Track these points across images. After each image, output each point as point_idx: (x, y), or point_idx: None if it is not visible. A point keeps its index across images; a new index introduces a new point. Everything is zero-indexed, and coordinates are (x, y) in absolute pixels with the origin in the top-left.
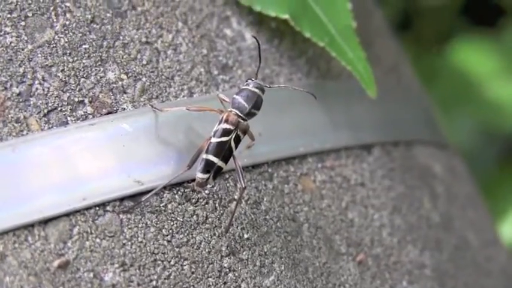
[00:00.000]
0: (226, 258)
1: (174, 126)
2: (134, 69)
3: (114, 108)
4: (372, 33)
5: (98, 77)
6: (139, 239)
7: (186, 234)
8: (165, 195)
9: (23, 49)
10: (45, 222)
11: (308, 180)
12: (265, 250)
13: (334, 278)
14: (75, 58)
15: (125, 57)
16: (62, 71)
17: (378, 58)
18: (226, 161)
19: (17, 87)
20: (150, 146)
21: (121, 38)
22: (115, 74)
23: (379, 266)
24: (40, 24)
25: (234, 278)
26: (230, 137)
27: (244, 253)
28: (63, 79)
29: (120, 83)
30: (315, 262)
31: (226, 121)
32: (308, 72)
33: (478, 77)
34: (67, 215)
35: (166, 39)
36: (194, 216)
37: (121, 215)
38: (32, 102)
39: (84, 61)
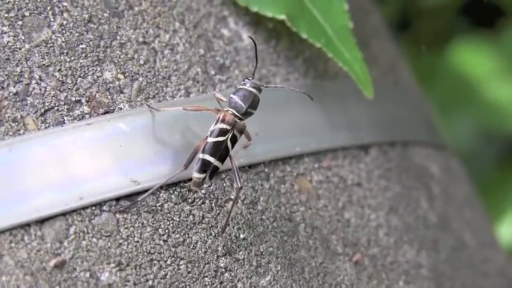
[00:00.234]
0: (223, 258)
1: (171, 126)
2: (131, 69)
3: (111, 108)
4: (369, 34)
5: (95, 77)
6: (136, 239)
7: (182, 234)
8: (161, 194)
9: (20, 48)
10: (42, 221)
11: (305, 180)
12: (262, 250)
13: (331, 278)
14: (72, 58)
15: (122, 57)
16: (59, 70)
17: (375, 58)
18: (222, 160)
19: (14, 86)
20: (146, 146)
21: (118, 37)
22: (112, 74)
23: (376, 266)
24: (37, 24)
25: (230, 277)
26: (227, 136)
27: (240, 253)
28: (60, 79)
29: (117, 82)
30: (311, 262)
31: (223, 121)
32: (305, 73)
33: (477, 78)
34: (63, 214)
35: (163, 39)
36: (190, 216)
37: (117, 215)
38: (29, 102)
39: (81, 61)
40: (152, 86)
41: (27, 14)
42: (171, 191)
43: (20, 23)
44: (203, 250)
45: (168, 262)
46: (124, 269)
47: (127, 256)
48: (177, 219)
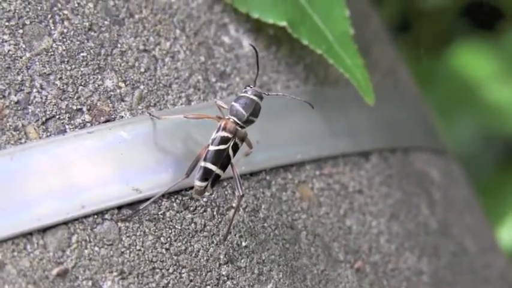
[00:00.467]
0: (225, 266)
1: (172, 134)
2: (132, 77)
3: (112, 116)
4: (369, 38)
5: (96, 85)
6: (138, 247)
7: (184, 242)
8: (163, 203)
9: (21, 57)
10: (44, 230)
11: (306, 187)
12: (263, 258)
13: (332, 285)
14: (73, 66)
15: (122, 65)
16: (60, 79)
17: (375, 63)
18: (224, 168)
19: (15, 95)
20: (148, 154)
21: (119, 45)
22: (113, 82)
23: (377, 273)
24: (38, 32)
25: (232, 285)
26: (228, 144)
27: (242, 261)
28: (61, 87)
29: (118, 90)
30: (313, 269)
31: (224, 129)
32: (306, 79)
33: (478, 81)
34: (65, 223)
35: (164, 47)
36: (192, 224)
37: (119, 223)
38: (30, 111)
39: (82, 69)
40: (153, 94)
41: (27, 22)
42: (173, 199)
43: (21, 31)
44: (205, 258)
45: (170, 270)
46: (126, 277)
47: (129, 265)
48: (179, 228)
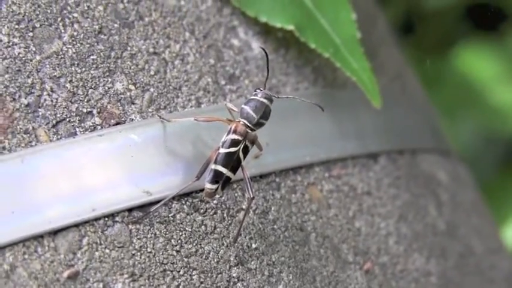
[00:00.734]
0: (235, 268)
1: (182, 136)
2: (142, 79)
3: (123, 119)
4: (376, 42)
5: (106, 88)
6: (149, 249)
7: (194, 244)
8: (173, 205)
9: (31, 60)
10: (55, 233)
11: (315, 189)
12: (273, 260)
13: (342, 286)
14: (83, 69)
15: (132, 67)
16: (70, 81)
17: (382, 66)
18: (234, 171)
19: (26, 98)
20: (158, 157)
21: (129, 48)
22: (123, 85)
23: (386, 275)
24: (48, 35)
25: (243, 287)
26: (239, 147)
27: (252, 263)
28: (72, 90)
29: (128, 93)
30: (323, 271)
31: (235, 131)
32: (314, 82)
33: (481, 82)
34: (76, 225)
35: (173, 50)
36: (203, 226)
37: (130, 226)
38: (40, 113)
39: (92, 72)
40: (163, 96)
41: (37, 25)
42: (183, 202)
43: (31, 34)
44: (215, 260)
45: (181, 272)
46: (137, 279)
47: (140, 267)
48: (190, 230)
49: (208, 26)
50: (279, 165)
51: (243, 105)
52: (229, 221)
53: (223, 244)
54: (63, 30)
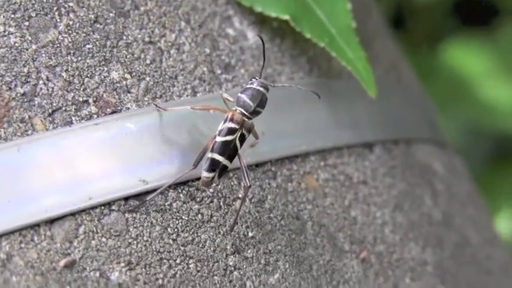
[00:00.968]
0: (232, 256)
1: (178, 125)
2: (138, 68)
3: (119, 108)
4: (371, 32)
5: (102, 77)
6: (145, 238)
7: (191, 232)
8: (170, 194)
9: (27, 49)
10: (51, 221)
11: (311, 178)
12: (270, 248)
13: (338, 275)
14: (79, 58)
15: (128, 56)
16: (66, 70)
17: (377, 57)
18: (231, 159)
19: (22, 87)
20: (154, 145)
21: (124, 37)
22: (119, 74)
23: (382, 263)
24: (44, 24)
25: (240, 276)
26: (235, 135)
27: (249, 251)
28: (68, 79)
29: (124, 82)
30: (319, 260)
31: (232, 120)
32: (309, 71)
33: (471, 77)
34: (73, 214)
35: (169, 39)
36: (199, 215)
37: (126, 214)
38: (36, 102)
39: (88, 61)
40: (159, 85)
41: (33, 14)
42: (180, 190)
43: (27, 23)
44: (212, 249)
45: (178, 261)
46: (134, 268)
47: (137, 255)
48: (186, 218)
49: (203, 15)
50: (275, 154)
51: (239, 94)
52: (226, 210)
53: (219, 233)
54: (58, 20)
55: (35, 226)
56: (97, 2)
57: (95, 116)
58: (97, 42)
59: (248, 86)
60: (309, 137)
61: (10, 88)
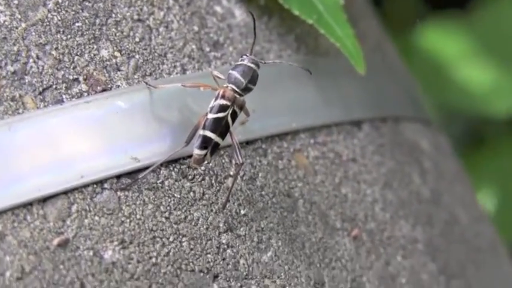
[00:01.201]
0: (224, 234)
1: (169, 102)
2: (127, 46)
3: (109, 86)
4: (356, 13)
5: (92, 55)
6: (138, 216)
7: (183, 210)
8: (161, 172)
9: (16, 27)
10: (44, 200)
11: (301, 156)
12: (262, 226)
13: (331, 253)
14: (69, 36)
15: (117, 34)
16: (56, 49)
17: (363, 36)
18: (223, 136)
19: (12, 65)
20: (145, 123)
21: (113, 15)
22: (108, 52)
23: (374, 241)
24: (33, 3)
25: (233, 254)
26: (227, 112)
27: (241, 229)
28: (57, 57)
29: (113, 60)
30: (311, 237)
31: (223, 97)
32: (297, 49)
33: (447, 59)
34: (65, 193)
35: (157, 17)
36: (191, 193)
37: (119, 192)
38: (27, 81)
39: (77, 39)
40: (149, 63)
41: None
42: (171, 168)
43: (16, 2)
44: (205, 227)
45: (171, 239)
46: (127, 246)
47: (130, 234)
48: (178, 196)
49: None
50: (266, 131)
51: (230, 71)
52: (218, 188)
53: (212, 210)
54: None
55: (27, 205)
56: None
57: (86, 94)
58: (86, 20)
59: (239, 62)
60: (298, 115)
61: (0, 66)
